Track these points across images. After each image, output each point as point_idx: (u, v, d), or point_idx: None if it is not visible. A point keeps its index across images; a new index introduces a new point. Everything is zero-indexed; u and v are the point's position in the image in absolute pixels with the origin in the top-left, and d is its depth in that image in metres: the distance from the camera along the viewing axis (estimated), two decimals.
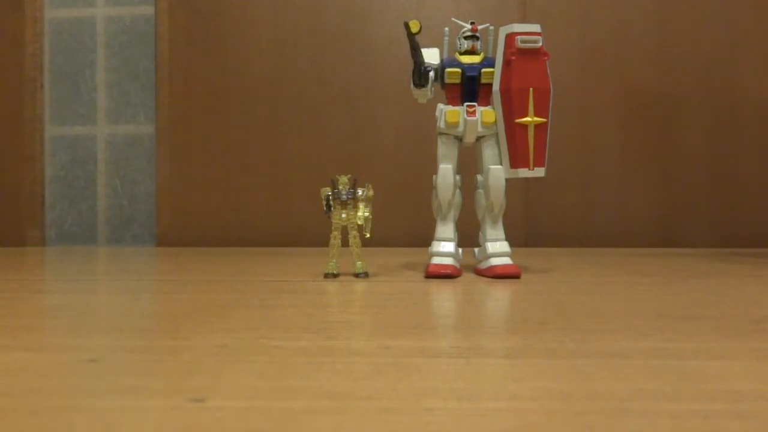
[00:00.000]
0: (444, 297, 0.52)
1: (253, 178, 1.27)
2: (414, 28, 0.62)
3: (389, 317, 0.42)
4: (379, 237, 1.19)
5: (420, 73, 0.65)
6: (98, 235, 1.29)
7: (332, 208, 0.65)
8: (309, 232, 1.21)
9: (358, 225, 0.65)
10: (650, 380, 0.26)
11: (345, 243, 0.66)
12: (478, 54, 0.68)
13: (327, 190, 0.65)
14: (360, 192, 0.65)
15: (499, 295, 0.53)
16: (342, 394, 0.24)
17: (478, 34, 0.68)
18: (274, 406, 0.23)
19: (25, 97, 1.28)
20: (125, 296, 0.53)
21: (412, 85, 0.66)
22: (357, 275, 0.66)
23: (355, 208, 0.65)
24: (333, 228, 0.66)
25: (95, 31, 1.29)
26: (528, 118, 0.65)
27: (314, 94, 1.26)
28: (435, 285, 0.60)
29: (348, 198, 0.65)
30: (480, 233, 0.69)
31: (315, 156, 1.26)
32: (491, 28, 0.69)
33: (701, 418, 0.21)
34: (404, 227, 1.21)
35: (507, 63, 0.65)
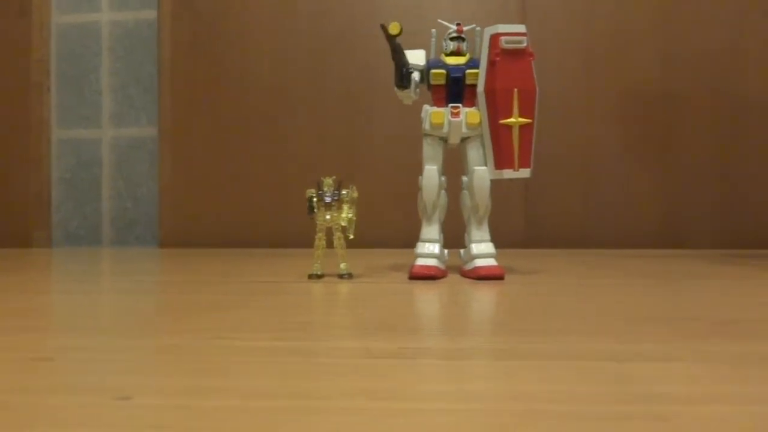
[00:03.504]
0: (418, 298, 0.52)
1: (255, 180, 1.27)
2: (394, 31, 0.62)
3: (353, 318, 0.42)
4: (378, 238, 1.19)
5: (402, 75, 0.65)
6: (103, 236, 1.31)
7: (315, 210, 0.65)
8: (310, 234, 1.21)
9: (342, 226, 0.65)
10: (579, 382, 0.25)
11: (331, 244, 0.66)
12: (464, 55, 0.68)
13: (311, 192, 0.65)
14: (344, 193, 0.65)
15: (474, 296, 0.53)
16: (264, 393, 0.24)
17: (463, 35, 0.68)
18: (191, 404, 0.23)
19: (32, 101, 1.30)
20: (101, 296, 0.53)
21: (395, 87, 0.66)
22: (341, 276, 0.66)
23: (339, 209, 0.65)
24: (317, 229, 0.66)
25: (100, 36, 1.31)
26: (512, 119, 0.65)
27: (315, 97, 1.27)
28: (417, 286, 0.60)
29: (332, 199, 0.65)
30: (465, 234, 0.69)
31: (316, 157, 1.26)
32: (478, 29, 0.69)
33: (615, 420, 0.21)
34: (404, 228, 1.21)
35: (491, 64, 0.65)
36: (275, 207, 1.26)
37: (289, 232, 1.24)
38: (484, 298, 0.52)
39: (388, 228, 1.21)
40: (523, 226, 1.22)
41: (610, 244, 1.21)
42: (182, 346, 0.33)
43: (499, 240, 1.19)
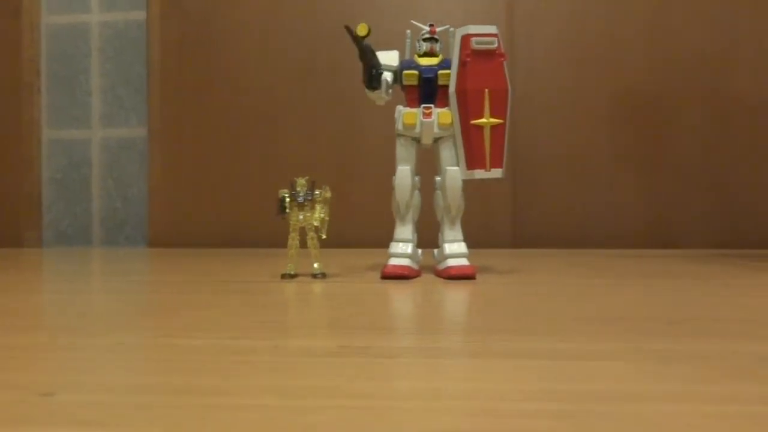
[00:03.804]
0: (386, 298, 0.52)
1: (244, 180, 1.28)
2: (362, 32, 0.63)
3: (312, 317, 0.42)
4: (372, 237, 1.20)
5: (371, 76, 0.65)
6: (93, 236, 1.31)
7: (287, 210, 0.65)
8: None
9: (315, 226, 0.66)
10: (505, 380, 0.26)
11: (304, 244, 0.67)
12: (437, 56, 0.69)
13: (284, 192, 0.66)
14: (317, 193, 0.66)
15: (440, 295, 0.53)
16: (184, 389, 0.25)
17: (436, 36, 0.69)
18: (111, 400, 0.23)
19: (23, 102, 1.31)
20: (76, 296, 0.54)
21: (365, 88, 0.67)
22: (314, 276, 0.66)
23: (313, 209, 0.66)
24: (290, 229, 0.67)
25: (90, 37, 1.32)
26: (484, 120, 0.65)
27: (304, 96, 1.27)
28: (388, 286, 0.60)
29: (305, 200, 0.66)
30: (439, 234, 0.69)
31: (305, 157, 1.27)
32: (452, 30, 0.69)
33: (515, 417, 0.21)
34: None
35: (462, 64, 0.65)
36: (264, 207, 1.27)
37: (278, 232, 1.25)
38: (448, 298, 0.52)
39: (381, 227, 1.21)
40: (512, 227, 1.22)
41: (600, 245, 1.21)
42: (127, 345, 0.33)
43: (487, 240, 1.20)
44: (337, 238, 1.19)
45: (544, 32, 1.24)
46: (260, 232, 1.26)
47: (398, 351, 0.32)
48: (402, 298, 0.52)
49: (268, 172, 1.27)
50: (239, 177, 1.28)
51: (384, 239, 0.68)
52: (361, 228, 1.23)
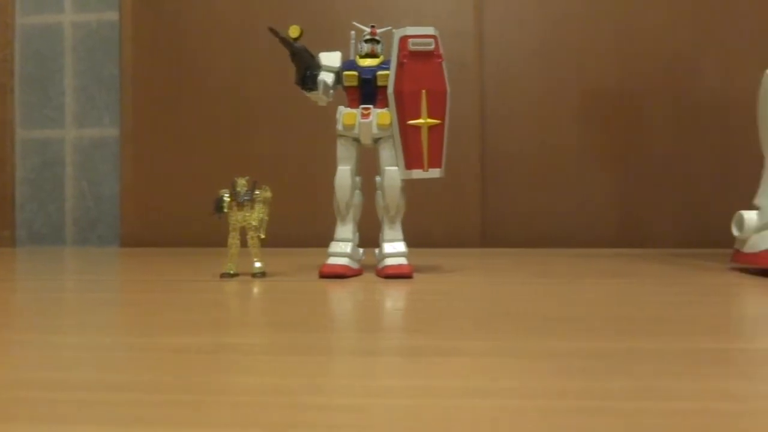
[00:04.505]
0: (308, 296, 0.53)
1: (216, 180, 1.28)
2: (294, 34, 0.64)
3: (211, 316, 0.43)
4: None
5: (304, 77, 0.66)
6: (66, 236, 1.32)
7: (226, 210, 0.66)
8: (271, 233, 1.23)
9: (254, 226, 0.67)
10: (344, 376, 0.27)
11: (244, 244, 0.67)
12: (378, 57, 0.69)
13: (224, 191, 0.67)
14: (257, 193, 0.67)
15: (367, 295, 0.54)
16: (47, 383, 0.25)
17: (377, 38, 0.69)
18: None
19: None
20: (5, 295, 0.55)
21: (302, 89, 0.68)
22: (254, 275, 0.67)
23: (252, 209, 0.67)
24: (231, 229, 0.67)
25: (63, 37, 1.33)
26: (421, 120, 0.66)
27: (278, 97, 1.28)
28: (325, 284, 0.61)
29: (245, 199, 0.66)
30: (380, 234, 0.70)
31: (278, 157, 1.28)
32: (395, 31, 0.70)
33: (314, 410, 0.22)
34: (368, 227, 1.22)
35: (400, 65, 0.66)
36: None
37: None
38: (374, 296, 0.53)
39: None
40: (481, 227, 1.23)
41: (572, 244, 1.21)
42: (15, 342, 0.34)
43: (456, 240, 1.20)
44: (302, 238, 1.20)
45: (513, 31, 1.24)
46: None
47: (274, 348, 0.32)
48: (329, 296, 0.53)
49: (241, 172, 1.28)
50: (212, 176, 1.29)
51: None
52: (326, 227, 1.23)
